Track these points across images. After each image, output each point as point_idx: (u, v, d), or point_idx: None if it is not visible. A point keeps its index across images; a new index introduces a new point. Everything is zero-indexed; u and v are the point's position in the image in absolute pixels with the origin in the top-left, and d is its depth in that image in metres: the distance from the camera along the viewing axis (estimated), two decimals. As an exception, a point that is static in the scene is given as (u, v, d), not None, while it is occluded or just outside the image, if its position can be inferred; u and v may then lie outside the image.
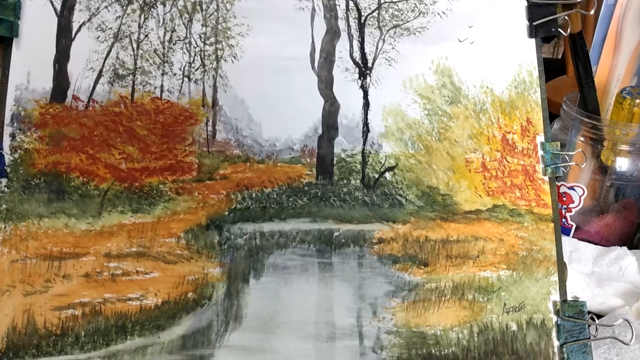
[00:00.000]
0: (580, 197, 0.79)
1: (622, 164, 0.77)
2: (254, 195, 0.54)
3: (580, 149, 0.60)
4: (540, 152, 0.58)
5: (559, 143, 0.59)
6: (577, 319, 0.54)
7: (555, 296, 0.55)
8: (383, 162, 0.56)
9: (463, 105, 0.58)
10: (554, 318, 0.54)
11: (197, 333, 0.51)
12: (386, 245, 0.55)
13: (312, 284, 0.53)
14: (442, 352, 0.53)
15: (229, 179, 0.54)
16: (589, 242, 0.78)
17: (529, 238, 0.56)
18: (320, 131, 0.56)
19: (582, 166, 0.59)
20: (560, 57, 1.35)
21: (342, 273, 0.53)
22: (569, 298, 0.56)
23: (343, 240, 0.54)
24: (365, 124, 0.57)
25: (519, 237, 0.56)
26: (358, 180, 0.56)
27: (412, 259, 0.55)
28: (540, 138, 0.58)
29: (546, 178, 0.58)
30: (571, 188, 0.79)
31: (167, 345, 0.50)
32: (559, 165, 0.58)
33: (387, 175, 0.56)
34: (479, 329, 0.54)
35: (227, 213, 0.53)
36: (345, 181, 0.55)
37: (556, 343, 0.54)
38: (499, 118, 0.58)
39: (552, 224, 0.57)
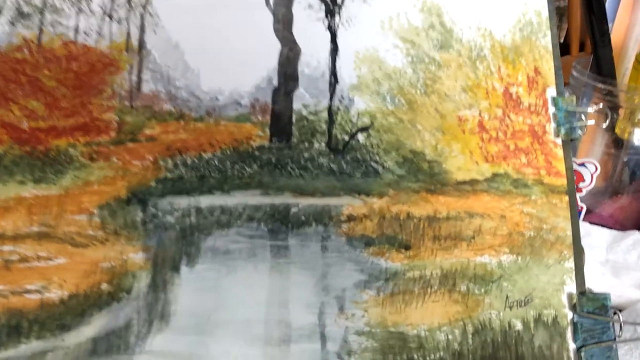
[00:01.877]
0: (592, 175, 0.70)
1: (641, 136, 0.69)
2: (189, 161, 0.43)
3: (601, 104, 0.48)
4: (552, 109, 0.48)
5: (574, 98, 0.48)
6: (598, 315, 0.44)
7: (571, 287, 0.45)
8: (355, 120, 0.45)
9: (456, 51, 0.47)
10: (570, 314, 0.44)
11: (111, 335, 0.40)
12: (358, 223, 0.44)
13: (263, 272, 0.42)
14: (427, 358, 0.42)
15: (158, 141, 0.43)
16: (601, 226, 0.71)
17: (537, 214, 0.46)
18: (275, 82, 0.45)
19: (604, 126, 0.49)
20: (562, 41, 1.31)
21: (301, 259, 0.43)
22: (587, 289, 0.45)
23: (303, 217, 0.43)
24: (333, 73, 0.46)
25: (526, 213, 0.46)
26: (323, 143, 0.45)
27: (391, 240, 0.44)
28: (552, 92, 0.48)
29: (559, 141, 0.47)
30: (582, 165, 0.70)
31: (73, 350, 0.39)
32: (574, 125, 0.47)
33: (360, 137, 0.45)
34: (475, 328, 0.43)
35: (153, 184, 0.42)
36: (306, 144, 0.44)
37: (572, 346, 0.44)
38: (500, 67, 0.47)
39: (567, 197, 0.46)
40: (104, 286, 0.41)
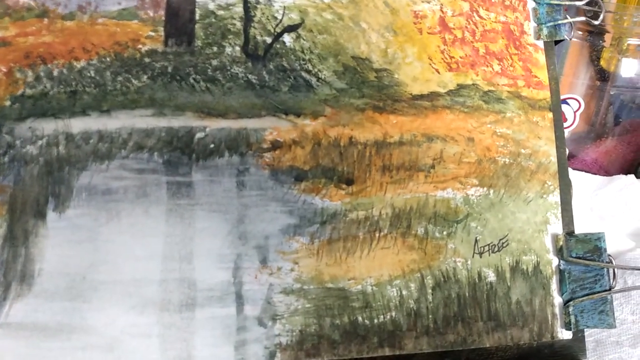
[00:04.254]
0: (575, 112, 0.65)
1: (630, 67, 0.62)
2: (55, 72, 0.33)
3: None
4: (531, 4, 0.38)
5: (560, -10, 0.38)
6: (590, 260, 0.35)
7: (556, 226, 0.36)
8: (280, 17, 0.35)
9: None
10: (555, 261, 0.36)
11: (-48, 304, 0.30)
12: (285, 152, 0.34)
13: (157, 217, 0.32)
14: (375, 321, 0.33)
15: (13, 46, 0.33)
16: (585, 172, 0.66)
17: (514, 136, 0.37)
18: (172, -33, 0.34)
19: (597, 22, 0.39)
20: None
21: (209, 199, 0.33)
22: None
23: (212, 145, 0.33)
24: (250, -44, 0.35)
25: (499, 134, 0.36)
26: (237, 47, 0.34)
27: (328, 173, 0.34)
28: (532, -19, 0.38)
29: (540, 43, 0.38)
30: (564, 102, 0.64)
31: None
32: (560, 22, 0.37)
33: (287, 38, 0.35)
34: (435, 281, 0.34)
35: (8, 103, 0.32)
36: (215, 48, 0.34)
37: (558, 300, 0.35)
38: (466, -52, 0.37)
39: (550, 114, 0.37)
40: (-58, 241, 0.31)
